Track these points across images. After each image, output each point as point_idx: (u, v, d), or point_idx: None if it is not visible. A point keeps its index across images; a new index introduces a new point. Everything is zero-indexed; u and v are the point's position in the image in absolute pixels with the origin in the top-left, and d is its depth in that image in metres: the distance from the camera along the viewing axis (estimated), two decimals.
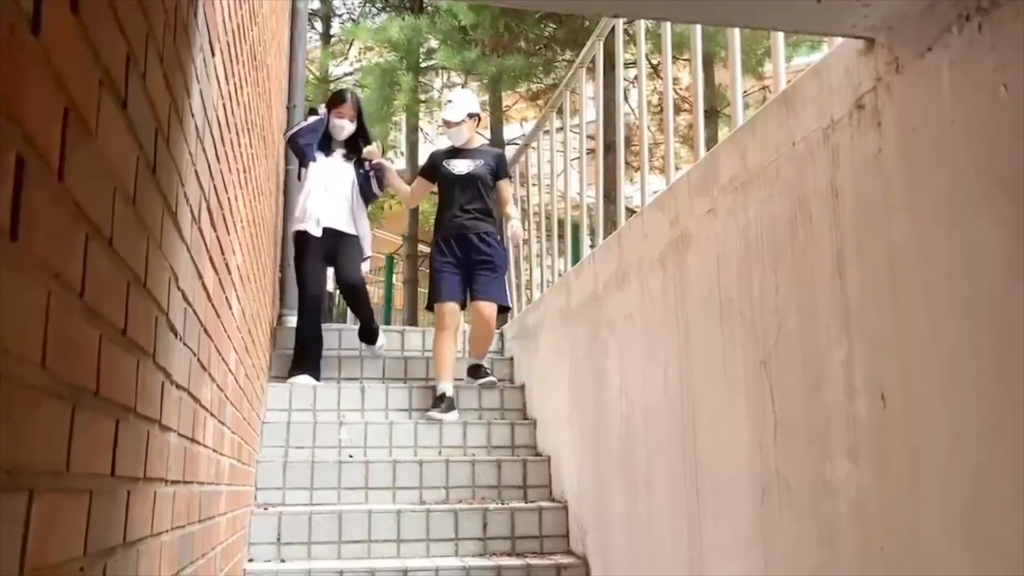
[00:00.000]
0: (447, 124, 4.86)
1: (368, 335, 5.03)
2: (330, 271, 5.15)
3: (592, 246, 3.90)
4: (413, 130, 11.28)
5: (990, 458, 1.31)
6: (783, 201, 1.95)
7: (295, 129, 4.94)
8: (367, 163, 4.95)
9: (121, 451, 1.14)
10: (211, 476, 2.15)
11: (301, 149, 4.89)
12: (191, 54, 1.53)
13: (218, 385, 2.18)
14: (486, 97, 10.07)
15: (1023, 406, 1.25)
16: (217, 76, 1.90)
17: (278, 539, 3.55)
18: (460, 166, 4.76)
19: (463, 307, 4.73)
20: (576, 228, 4.46)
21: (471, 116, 4.83)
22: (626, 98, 6.46)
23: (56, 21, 0.80)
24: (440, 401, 4.47)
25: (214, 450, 2.18)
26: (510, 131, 11.38)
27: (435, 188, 4.96)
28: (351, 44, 12.42)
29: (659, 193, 2.82)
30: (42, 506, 0.82)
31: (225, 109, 2.07)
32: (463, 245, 4.64)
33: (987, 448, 1.32)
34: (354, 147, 4.99)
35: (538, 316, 4.52)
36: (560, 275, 4.43)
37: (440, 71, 11.16)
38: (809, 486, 1.82)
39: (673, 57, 3.23)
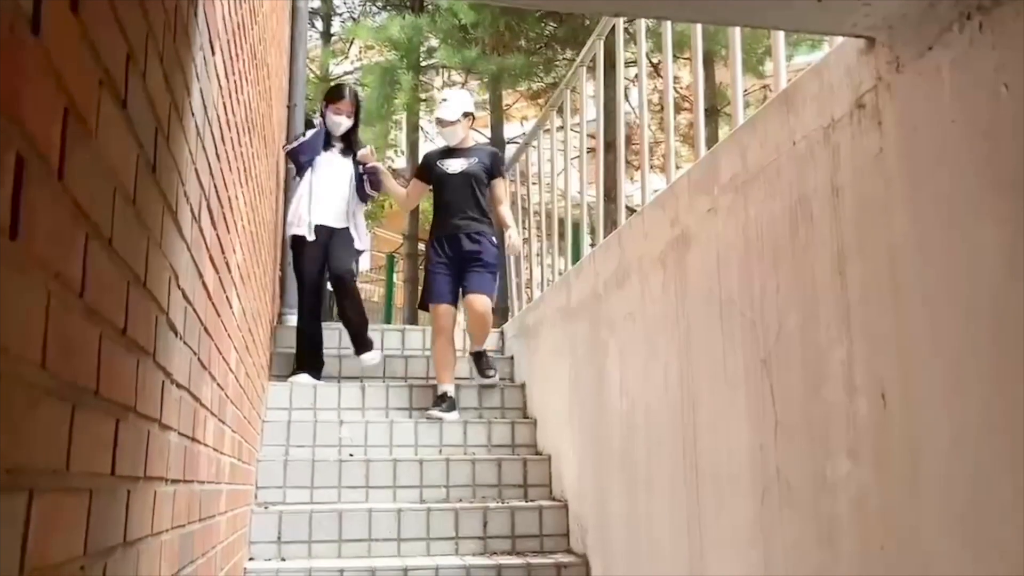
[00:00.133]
0: (441, 123, 4.82)
1: (360, 343, 4.82)
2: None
3: (592, 245, 3.90)
4: (414, 129, 11.28)
5: (990, 457, 1.31)
6: (784, 200, 1.95)
7: (295, 145, 4.87)
8: (363, 166, 4.93)
9: (121, 450, 1.14)
10: (211, 475, 2.15)
11: (300, 164, 4.85)
12: (191, 53, 1.53)
13: (218, 384, 2.18)
14: (486, 96, 10.08)
15: (1023, 406, 1.25)
16: (217, 75, 1.90)
17: (278, 538, 3.55)
18: (454, 165, 4.74)
19: (456, 306, 4.70)
20: (576, 227, 4.46)
21: (466, 115, 4.80)
22: (626, 97, 6.45)
23: (56, 21, 0.80)
24: (441, 400, 4.47)
25: (214, 449, 2.18)
26: (510, 130, 11.38)
27: (431, 189, 4.92)
28: (351, 43, 12.42)
29: (659, 192, 2.82)
30: (42, 505, 0.82)
31: (225, 108, 2.07)
32: (455, 245, 4.63)
33: (987, 447, 1.32)
34: (351, 142, 4.96)
35: (538, 315, 4.52)
36: (560, 274, 4.43)
37: (440, 70, 11.16)
38: (809, 485, 1.82)
39: (673, 56, 3.23)
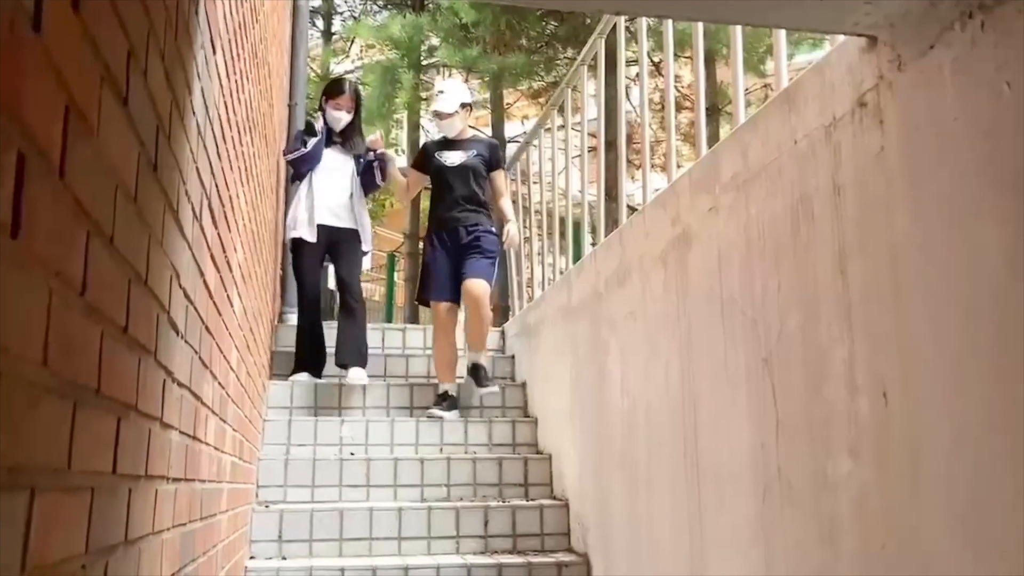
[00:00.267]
0: (439, 116, 4.73)
1: (357, 355, 4.58)
2: (330, 268, 5.09)
3: (593, 244, 3.90)
4: (414, 128, 11.28)
5: (991, 457, 1.31)
6: (785, 199, 1.94)
7: (298, 155, 4.68)
8: (372, 152, 4.80)
9: (122, 449, 1.14)
10: (212, 474, 2.15)
11: (302, 174, 4.74)
12: (192, 51, 1.53)
13: (219, 383, 2.18)
14: (487, 94, 10.08)
15: None
16: (218, 73, 1.90)
17: (279, 537, 3.55)
18: (452, 157, 4.66)
19: (457, 303, 4.61)
20: (577, 226, 4.46)
21: (464, 106, 4.71)
22: (628, 96, 6.44)
23: (57, 19, 0.80)
24: (442, 399, 4.46)
25: (215, 448, 2.18)
26: (511, 129, 11.38)
27: (428, 180, 4.84)
28: (352, 42, 12.42)
29: (661, 191, 2.82)
30: (43, 504, 0.82)
31: (226, 106, 2.07)
32: (453, 237, 4.55)
33: (988, 447, 1.32)
34: (352, 138, 4.85)
35: (539, 314, 4.52)
36: (561, 273, 4.43)
37: (441, 69, 11.16)
38: (811, 484, 1.82)
39: (675, 55, 3.23)
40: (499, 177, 4.76)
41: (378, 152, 4.83)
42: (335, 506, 3.69)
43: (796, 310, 1.89)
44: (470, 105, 4.84)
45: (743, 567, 2.13)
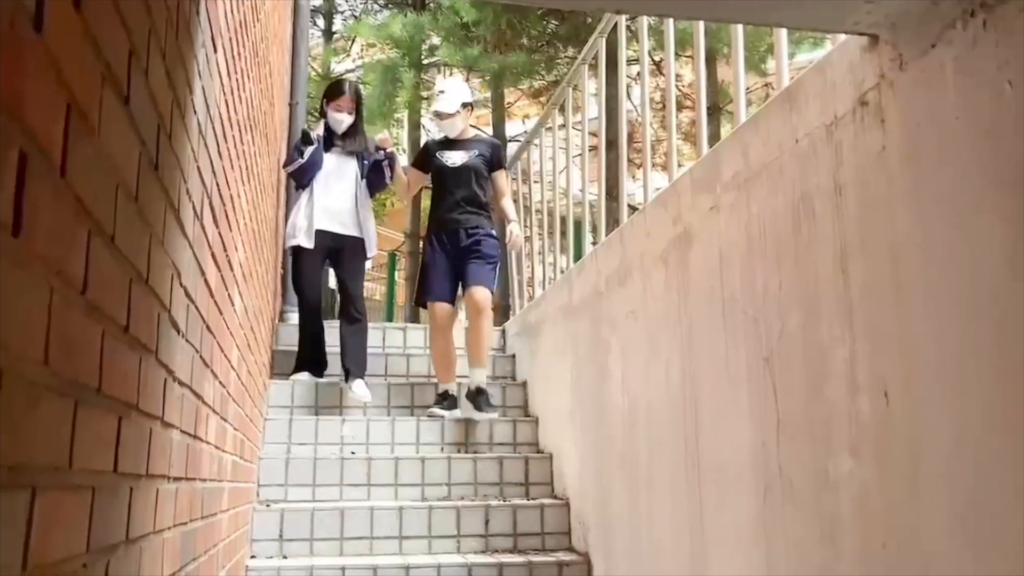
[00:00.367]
0: (440, 116, 4.65)
1: (361, 365, 4.53)
2: (330, 270, 5.04)
3: (594, 243, 3.90)
4: (415, 127, 11.28)
5: (992, 456, 1.31)
6: (786, 198, 1.94)
7: (296, 166, 4.61)
8: (383, 151, 4.72)
9: (123, 448, 1.14)
10: (213, 473, 2.15)
11: (303, 184, 4.68)
12: (193, 50, 1.53)
13: (220, 382, 2.18)
14: (488, 94, 10.07)
15: None
16: (219, 72, 1.90)
17: (280, 536, 3.55)
18: (454, 157, 4.60)
19: (454, 304, 4.56)
20: (578, 225, 4.46)
21: (465, 106, 4.65)
22: (628, 95, 6.44)
23: (59, 17, 0.80)
24: (443, 399, 4.45)
25: (216, 447, 2.18)
26: (512, 128, 11.38)
27: (429, 179, 4.78)
28: (353, 41, 12.41)
29: (662, 190, 2.82)
30: (44, 503, 0.82)
31: (227, 105, 2.07)
32: (454, 239, 4.49)
33: (989, 446, 1.32)
34: (354, 139, 4.77)
35: (540, 313, 4.52)
36: (562, 272, 4.43)
37: (442, 68, 11.16)
38: (812, 483, 1.82)
39: (676, 54, 3.23)
40: (501, 177, 4.70)
41: (388, 151, 4.74)
42: (336, 505, 3.69)
43: (797, 309, 1.89)
44: (471, 105, 4.78)
45: (744, 566, 2.13)
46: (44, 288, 0.80)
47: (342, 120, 4.70)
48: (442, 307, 4.47)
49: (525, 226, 5.38)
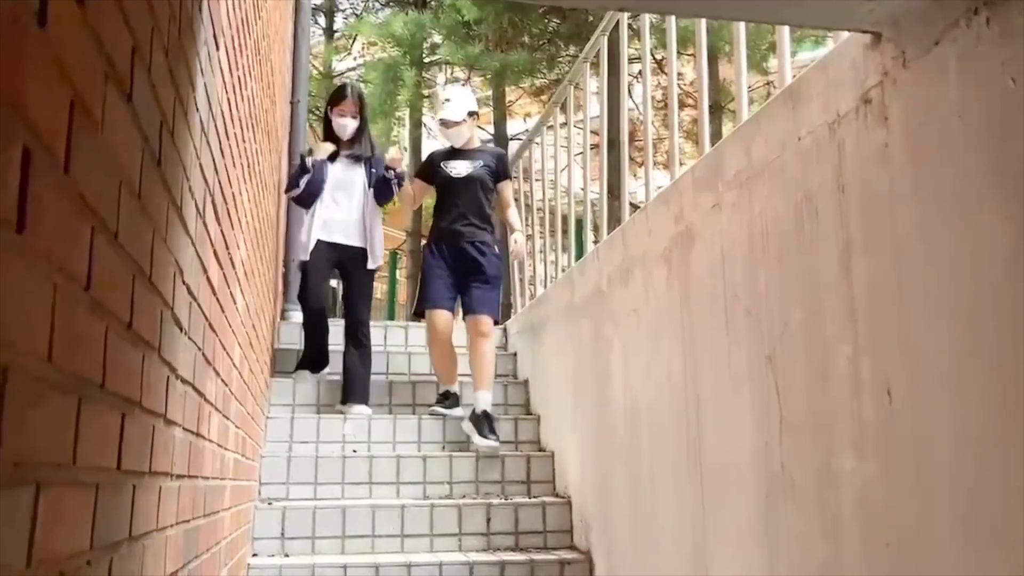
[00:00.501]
0: (445, 124, 4.54)
1: (363, 395, 4.43)
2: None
3: (596, 242, 3.90)
4: (416, 125, 11.28)
5: (995, 454, 1.31)
6: (789, 196, 1.94)
7: (301, 192, 4.54)
8: (392, 171, 4.57)
9: (127, 445, 1.14)
10: (216, 471, 2.15)
11: (308, 205, 4.59)
12: (195, 47, 1.53)
13: (223, 380, 2.18)
14: (489, 92, 10.07)
15: None
16: (221, 70, 1.90)
17: (282, 534, 3.55)
18: (459, 167, 4.49)
19: (454, 314, 4.49)
20: (580, 223, 4.45)
21: (471, 114, 4.57)
22: (630, 93, 6.44)
23: (62, 13, 0.80)
24: (444, 397, 4.43)
25: (219, 445, 2.18)
26: (513, 127, 11.38)
27: (434, 190, 4.66)
28: (354, 39, 12.41)
29: (663, 188, 2.82)
30: (49, 500, 0.82)
31: (229, 103, 2.07)
32: (457, 254, 4.38)
33: (992, 444, 1.32)
34: (360, 145, 4.66)
35: (542, 312, 4.51)
36: (564, 271, 4.43)
37: (443, 66, 11.15)
38: (814, 482, 1.82)
39: (677, 52, 3.22)
40: (507, 188, 4.62)
41: (397, 172, 4.59)
42: (338, 503, 3.69)
43: (799, 307, 1.89)
44: (477, 113, 4.68)
45: (746, 564, 2.13)
46: (48, 284, 0.80)
47: (346, 124, 4.61)
48: (441, 315, 4.35)
49: (527, 225, 5.37)
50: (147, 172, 1.18)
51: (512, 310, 5.77)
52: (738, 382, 2.18)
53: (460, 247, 4.39)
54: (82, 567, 0.95)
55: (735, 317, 2.21)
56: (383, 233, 4.77)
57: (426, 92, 10.57)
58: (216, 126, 1.84)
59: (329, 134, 4.68)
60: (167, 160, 1.32)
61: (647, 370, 2.85)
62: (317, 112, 11.64)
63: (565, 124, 4.66)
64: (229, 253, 2.20)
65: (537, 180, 5.35)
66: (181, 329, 1.52)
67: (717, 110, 8.59)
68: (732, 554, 2.22)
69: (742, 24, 2.55)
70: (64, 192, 0.84)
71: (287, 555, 3.51)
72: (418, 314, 4.51)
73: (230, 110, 2.08)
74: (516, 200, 5.07)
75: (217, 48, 1.80)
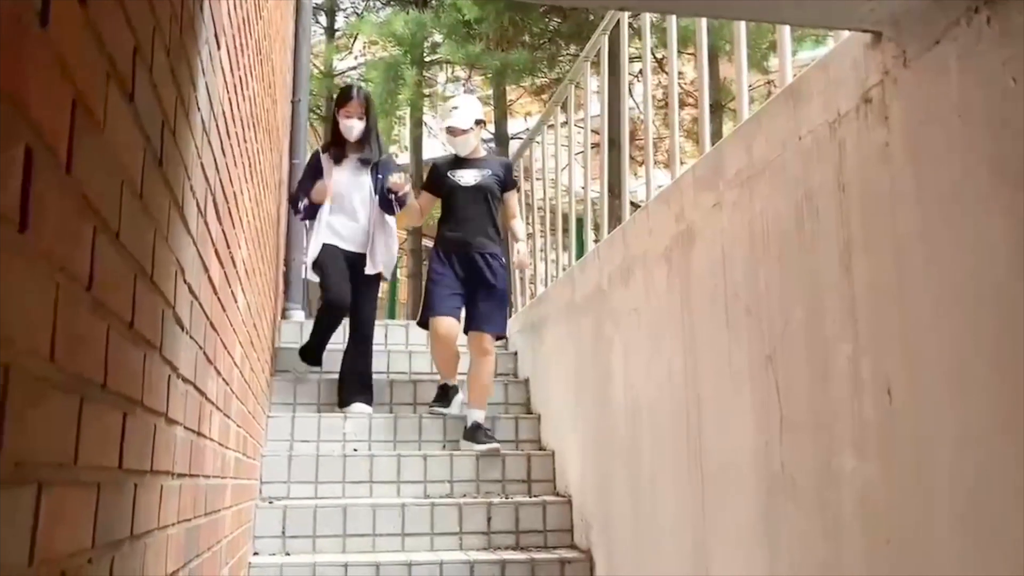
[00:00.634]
0: (453, 132, 4.44)
1: (364, 393, 4.45)
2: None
3: (596, 241, 3.90)
4: (417, 124, 11.27)
5: (996, 452, 1.31)
6: (789, 195, 1.94)
7: (303, 214, 4.54)
8: (394, 194, 4.48)
9: (128, 444, 1.14)
10: (217, 470, 2.15)
11: (311, 218, 4.55)
12: (197, 47, 1.53)
13: (224, 379, 2.18)
14: (490, 91, 10.07)
15: None
16: (223, 69, 1.90)
17: (283, 532, 3.55)
18: (467, 177, 4.41)
19: (459, 319, 4.40)
20: (580, 222, 4.44)
21: (478, 123, 4.50)
22: (631, 92, 6.44)
23: (64, 13, 0.80)
24: (443, 393, 4.41)
25: (220, 443, 2.18)
26: (514, 126, 11.37)
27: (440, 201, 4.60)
28: (355, 38, 12.41)
29: (664, 187, 2.82)
30: (50, 499, 0.82)
31: (231, 102, 2.07)
32: (466, 265, 4.31)
33: (993, 442, 1.32)
34: (367, 148, 4.60)
35: (542, 310, 4.51)
36: (564, 269, 4.43)
37: (444, 65, 11.15)
38: (814, 481, 1.82)
39: (678, 51, 3.22)
40: (512, 198, 4.57)
41: (400, 194, 4.50)
42: (338, 502, 3.70)
43: (800, 307, 1.89)
44: (483, 121, 4.62)
45: (746, 563, 2.13)
46: (50, 284, 0.80)
47: (353, 127, 4.54)
48: (445, 320, 4.26)
49: (527, 223, 5.37)
50: (149, 171, 1.19)
51: (512, 309, 5.77)
52: (739, 381, 2.18)
53: (469, 257, 4.32)
54: (84, 566, 0.95)
55: (736, 316, 2.21)
56: (394, 239, 4.68)
57: (427, 91, 10.57)
58: (217, 125, 1.84)
59: (336, 136, 4.63)
60: (169, 159, 1.32)
61: (648, 369, 2.85)
62: (318, 111, 11.66)
63: (566, 123, 4.66)
64: (230, 252, 2.20)
65: (538, 179, 5.34)
66: (182, 328, 1.52)
67: (718, 109, 8.58)
68: (732, 553, 2.22)
69: (743, 23, 2.55)
70: (66, 192, 0.84)
71: (288, 554, 3.51)
72: (421, 325, 4.42)
73: (231, 109, 2.09)
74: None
75: (218, 47, 1.81)
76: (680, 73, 7.79)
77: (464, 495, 3.91)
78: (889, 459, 1.57)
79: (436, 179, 4.54)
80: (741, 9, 1.78)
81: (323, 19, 12.64)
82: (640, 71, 3.84)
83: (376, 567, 3.35)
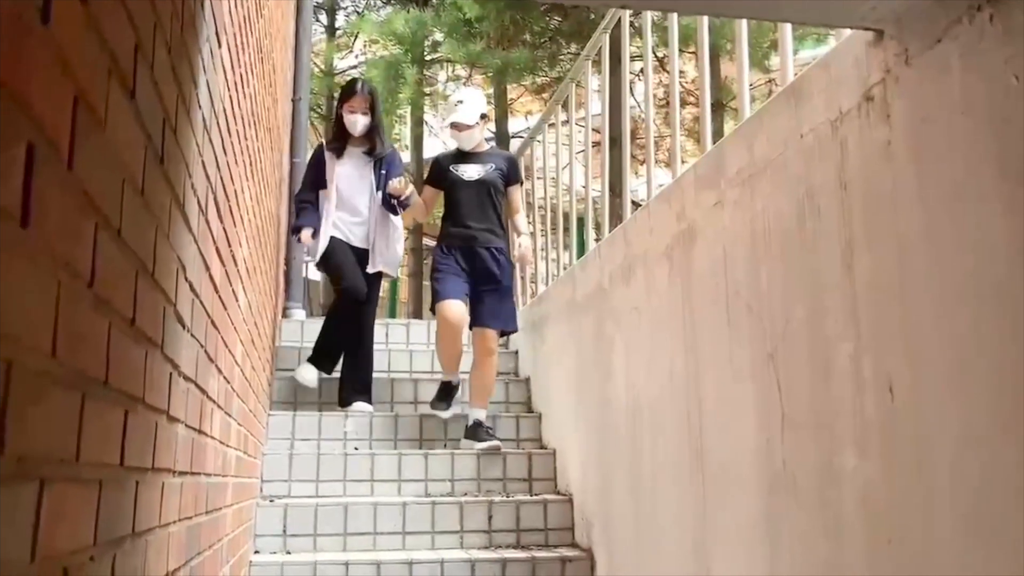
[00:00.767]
0: (458, 127, 4.39)
1: (364, 392, 4.44)
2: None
3: (597, 240, 3.90)
4: (418, 123, 11.28)
5: (998, 452, 1.31)
6: (791, 193, 1.94)
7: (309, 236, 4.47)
8: (395, 199, 4.45)
9: (130, 441, 1.14)
10: (218, 468, 2.15)
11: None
12: (198, 44, 1.53)
13: (225, 377, 2.18)
14: (491, 90, 10.07)
15: None
16: (224, 67, 1.90)
17: (284, 531, 3.56)
18: (470, 171, 4.37)
19: (466, 302, 4.36)
20: (581, 221, 4.43)
21: (482, 117, 4.47)
22: (632, 91, 6.43)
23: (66, 11, 0.80)
24: (446, 393, 4.34)
25: (221, 442, 2.18)
26: (515, 124, 11.37)
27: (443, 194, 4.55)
28: (356, 37, 12.41)
29: (665, 186, 2.82)
30: (52, 495, 0.82)
31: (232, 100, 2.07)
32: (471, 259, 4.27)
33: (995, 441, 1.32)
34: (372, 142, 4.56)
35: (543, 309, 4.51)
36: (565, 268, 4.42)
37: (445, 64, 11.15)
38: (816, 479, 1.82)
39: (679, 50, 3.22)
40: (516, 192, 4.51)
41: (402, 199, 4.46)
42: (339, 501, 3.70)
43: (802, 305, 1.89)
44: (487, 115, 4.58)
45: (747, 562, 2.13)
46: (52, 280, 0.80)
47: (357, 121, 4.50)
48: (451, 304, 4.19)
49: (528, 222, 5.36)
50: (150, 169, 1.19)
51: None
52: (740, 379, 2.18)
53: (474, 251, 4.28)
54: (85, 563, 0.95)
55: (737, 315, 2.21)
56: (399, 237, 4.63)
57: (427, 90, 10.56)
58: (219, 123, 1.84)
59: (340, 131, 4.59)
60: (170, 157, 1.32)
61: (649, 368, 2.85)
62: (319, 110, 11.66)
63: (567, 122, 4.66)
64: (231, 250, 2.20)
65: (539, 178, 5.34)
66: (184, 326, 1.52)
67: (719, 108, 8.58)
68: (733, 552, 2.22)
69: (744, 22, 2.55)
70: (68, 188, 0.84)
71: (289, 552, 3.51)
72: (433, 309, 4.34)
73: (232, 107, 2.08)
74: None
75: (220, 46, 1.80)
76: (681, 72, 7.78)
77: (465, 494, 3.91)
78: (891, 458, 1.57)
79: (438, 173, 4.50)
80: (743, 7, 1.78)
81: (324, 18, 12.64)
82: (641, 70, 3.84)
83: (377, 566, 3.35)
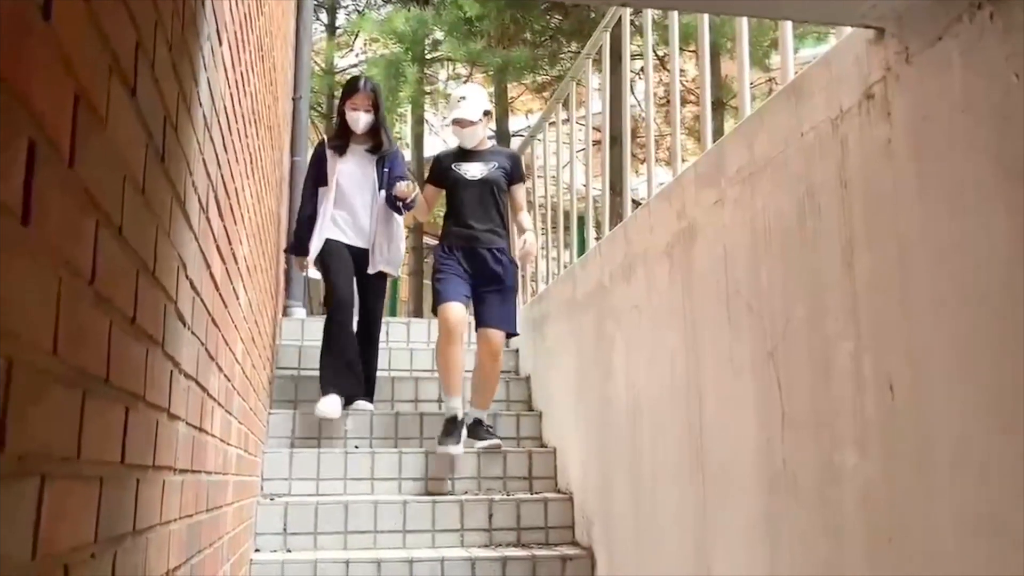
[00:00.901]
0: (460, 124, 4.30)
1: (367, 389, 4.40)
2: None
3: (598, 238, 3.90)
4: (419, 122, 11.28)
5: (998, 450, 1.31)
6: (791, 192, 1.94)
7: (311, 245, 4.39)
8: (400, 201, 4.36)
9: (131, 439, 1.14)
10: (218, 466, 2.15)
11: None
12: (199, 42, 1.53)
13: (225, 375, 2.18)
14: (491, 88, 10.07)
15: None
16: (224, 65, 1.90)
17: (284, 529, 3.56)
18: (473, 170, 4.29)
19: (468, 304, 4.30)
20: (581, 220, 4.43)
21: (486, 114, 4.39)
22: (632, 90, 6.44)
23: (67, 8, 0.80)
24: (452, 427, 4.01)
25: (221, 440, 2.18)
26: (515, 123, 11.37)
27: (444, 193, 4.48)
28: (356, 36, 12.41)
29: (666, 184, 2.82)
30: (53, 492, 0.82)
31: (232, 99, 2.07)
32: (473, 260, 4.18)
33: (995, 440, 1.32)
34: (375, 140, 4.49)
35: (544, 307, 4.51)
36: (566, 267, 4.42)
37: (445, 63, 11.15)
38: (816, 478, 1.82)
39: (680, 48, 3.22)
40: (520, 191, 4.40)
41: (407, 202, 4.36)
42: (340, 499, 3.70)
43: (802, 303, 1.89)
44: (490, 112, 4.51)
45: (748, 561, 2.13)
46: (53, 278, 0.80)
47: (359, 119, 4.43)
48: (452, 306, 4.08)
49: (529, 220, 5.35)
50: (151, 167, 1.19)
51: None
52: (740, 378, 2.18)
53: (476, 252, 4.20)
54: (86, 560, 0.96)
55: (737, 313, 2.21)
56: (400, 237, 4.58)
57: (428, 89, 10.57)
58: (219, 121, 1.84)
59: (342, 128, 4.53)
60: (170, 155, 1.32)
61: (649, 366, 2.85)
62: (319, 108, 11.66)
63: (567, 120, 4.66)
64: (232, 248, 2.20)
65: (539, 176, 5.34)
66: (184, 324, 1.53)
67: (719, 106, 8.58)
68: (734, 550, 2.23)
69: (745, 20, 2.55)
70: (68, 186, 0.84)
71: (289, 551, 3.51)
72: (435, 311, 4.22)
73: (233, 106, 2.08)
74: None
75: (220, 44, 1.80)
76: (682, 70, 7.78)
77: (465, 492, 3.91)
78: (891, 457, 1.57)
79: (440, 171, 4.43)
80: (743, 6, 1.78)
81: (324, 16, 12.64)
82: (642, 68, 3.84)
83: (377, 564, 3.35)
